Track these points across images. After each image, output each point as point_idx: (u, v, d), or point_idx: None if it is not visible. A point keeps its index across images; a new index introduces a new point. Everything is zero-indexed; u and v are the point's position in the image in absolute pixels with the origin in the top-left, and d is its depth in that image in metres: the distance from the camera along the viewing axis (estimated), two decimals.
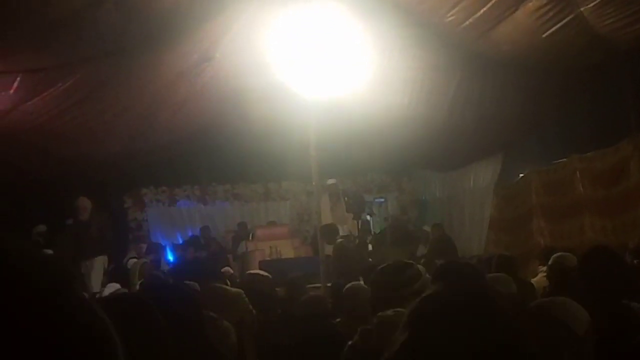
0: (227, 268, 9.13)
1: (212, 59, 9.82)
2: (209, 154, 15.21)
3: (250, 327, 5.75)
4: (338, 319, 5.40)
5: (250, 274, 7.50)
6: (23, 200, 11.77)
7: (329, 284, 8.71)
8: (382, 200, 16.03)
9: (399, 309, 2.94)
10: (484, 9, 8.47)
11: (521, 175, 13.51)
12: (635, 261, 7.18)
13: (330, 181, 13.31)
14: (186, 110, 11.08)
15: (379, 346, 2.92)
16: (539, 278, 7.43)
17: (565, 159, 12.02)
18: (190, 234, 15.40)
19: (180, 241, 15.15)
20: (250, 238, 14.06)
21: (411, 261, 3.68)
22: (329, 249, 9.89)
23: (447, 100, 11.15)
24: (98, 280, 10.38)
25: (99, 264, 10.83)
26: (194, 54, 9.62)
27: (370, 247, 13.71)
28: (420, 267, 3.42)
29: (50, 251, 8.75)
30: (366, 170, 16.88)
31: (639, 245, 8.03)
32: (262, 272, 7.48)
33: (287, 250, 13.25)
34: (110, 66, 8.98)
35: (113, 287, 7.37)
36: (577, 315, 2.67)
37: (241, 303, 5.96)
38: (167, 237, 15.64)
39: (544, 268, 7.29)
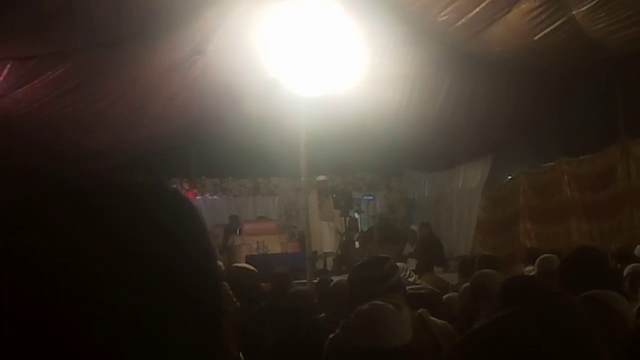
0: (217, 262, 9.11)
1: (204, 52, 9.80)
2: (199, 147, 15.20)
3: (233, 319, 5.75)
4: (323, 314, 5.43)
5: (236, 267, 7.50)
6: (8, 188, 11.70)
7: (315, 280, 8.73)
8: (371, 198, 16.07)
9: (375, 302, 2.97)
10: (477, 9, 8.50)
11: (510, 177, 13.56)
12: (618, 265, 7.22)
13: (320, 178, 13.32)
14: (177, 103, 11.05)
15: (357, 339, 2.94)
16: None
17: (553, 162, 12.09)
18: None
19: None
20: (238, 232, 14.06)
21: (387, 255, 3.71)
22: (317, 246, 9.89)
23: (438, 100, 11.17)
24: None
25: None
26: (186, 47, 9.59)
27: (357, 244, 13.74)
28: (401, 263, 3.45)
29: None
30: (356, 168, 16.90)
31: (622, 249, 8.07)
32: (248, 266, 7.49)
33: (274, 246, 13.25)
34: (101, 56, 8.94)
35: None
36: (628, 308, 2.72)
37: (225, 295, 5.96)
38: None
39: (529, 268, 7.33)
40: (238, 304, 6.15)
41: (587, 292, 2.91)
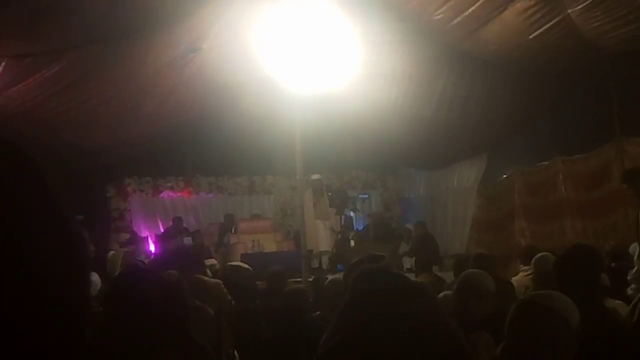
0: (212, 260, 9.12)
1: (199, 50, 9.79)
2: (194, 145, 15.18)
3: (229, 317, 5.75)
4: (318, 313, 5.43)
5: (231, 265, 7.51)
6: None
7: (310, 279, 8.73)
8: (366, 196, 16.06)
9: None
10: (472, 8, 8.49)
11: (505, 175, 13.57)
12: (612, 264, 7.24)
13: (315, 176, 13.32)
14: (172, 101, 11.04)
15: None
16: (520, 277, 7.47)
17: (548, 161, 12.10)
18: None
19: (163, 232, 15.13)
20: (233, 231, 14.07)
21: (382, 254, 3.71)
22: (312, 245, 9.87)
23: (433, 98, 11.18)
24: None
25: None
26: (181, 45, 9.58)
27: (352, 243, 13.74)
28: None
29: None
30: (351, 166, 16.90)
31: (616, 247, 8.09)
32: (243, 265, 7.50)
33: (270, 244, 13.27)
34: (96, 54, 8.92)
35: (92, 276, 7.32)
36: (572, 309, 2.73)
37: (220, 293, 5.96)
38: (150, 228, 15.59)
39: (525, 267, 7.33)
40: (233, 302, 6.15)
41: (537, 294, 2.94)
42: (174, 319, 2.93)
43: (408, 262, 13.01)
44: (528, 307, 2.79)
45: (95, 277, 7.13)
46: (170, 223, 15.03)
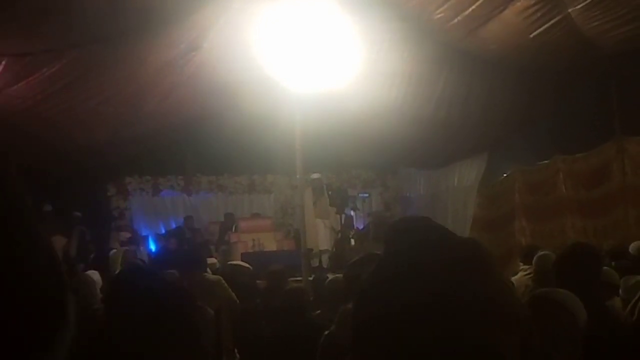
0: (212, 259, 9.14)
1: (199, 48, 9.78)
2: (194, 144, 15.18)
3: (230, 315, 5.76)
4: (318, 311, 5.44)
5: (232, 264, 7.52)
6: None
7: (310, 278, 8.74)
8: (366, 195, 16.06)
9: None
10: (473, 7, 8.50)
11: (505, 174, 13.57)
12: (612, 263, 7.23)
13: (314, 176, 13.32)
14: (172, 100, 11.03)
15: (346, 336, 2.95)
16: (520, 276, 7.46)
17: (549, 160, 12.10)
18: (173, 224, 15.38)
19: (163, 231, 15.14)
20: (234, 230, 14.08)
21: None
22: (312, 244, 9.88)
23: (433, 97, 11.17)
24: None
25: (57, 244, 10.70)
26: (182, 43, 9.57)
27: (352, 242, 13.75)
28: None
29: None
30: (351, 165, 16.90)
31: (616, 246, 8.08)
32: (243, 263, 7.52)
33: (270, 243, 13.27)
34: (97, 53, 8.92)
35: (93, 274, 7.33)
36: (579, 306, 2.74)
37: (221, 290, 5.97)
38: (150, 227, 15.60)
39: (525, 266, 7.32)
40: (234, 297, 6.17)
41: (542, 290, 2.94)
42: (177, 317, 2.93)
43: None
44: (538, 301, 2.80)
45: (96, 276, 7.14)
46: (171, 222, 15.09)
